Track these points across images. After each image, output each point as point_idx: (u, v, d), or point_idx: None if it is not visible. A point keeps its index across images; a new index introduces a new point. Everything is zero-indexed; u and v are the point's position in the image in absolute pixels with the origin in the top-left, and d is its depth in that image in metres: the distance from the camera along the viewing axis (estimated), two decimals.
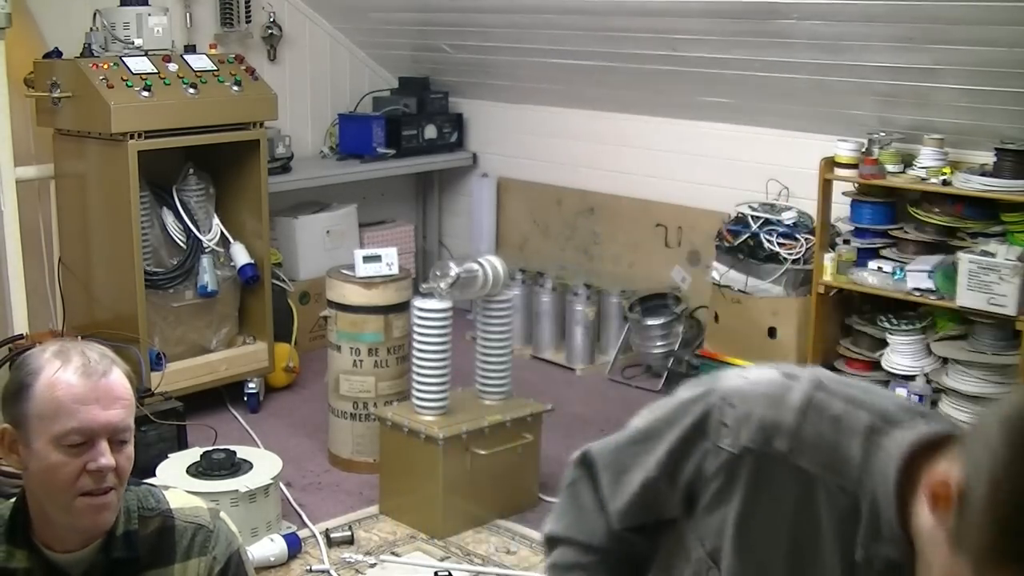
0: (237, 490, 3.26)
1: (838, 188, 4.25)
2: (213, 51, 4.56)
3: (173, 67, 4.25)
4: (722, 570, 1.22)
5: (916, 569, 1.09)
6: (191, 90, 4.21)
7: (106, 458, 1.54)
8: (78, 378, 1.54)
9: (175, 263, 4.38)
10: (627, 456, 1.33)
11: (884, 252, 4.15)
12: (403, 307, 3.88)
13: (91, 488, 1.54)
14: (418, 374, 3.57)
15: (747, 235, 4.43)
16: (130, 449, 1.60)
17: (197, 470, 3.36)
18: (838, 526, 1.14)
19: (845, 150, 4.13)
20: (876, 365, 4.15)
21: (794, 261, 4.32)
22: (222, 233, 4.50)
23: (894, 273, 4.04)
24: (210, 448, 3.46)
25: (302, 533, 3.46)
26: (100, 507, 1.56)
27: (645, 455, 1.29)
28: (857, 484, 1.13)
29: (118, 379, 1.59)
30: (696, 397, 1.26)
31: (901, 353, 4.06)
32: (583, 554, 1.37)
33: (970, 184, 3.79)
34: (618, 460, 1.34)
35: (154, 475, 3.33)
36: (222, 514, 1.75)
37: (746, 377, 1.25)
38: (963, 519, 1.01)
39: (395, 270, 3.93)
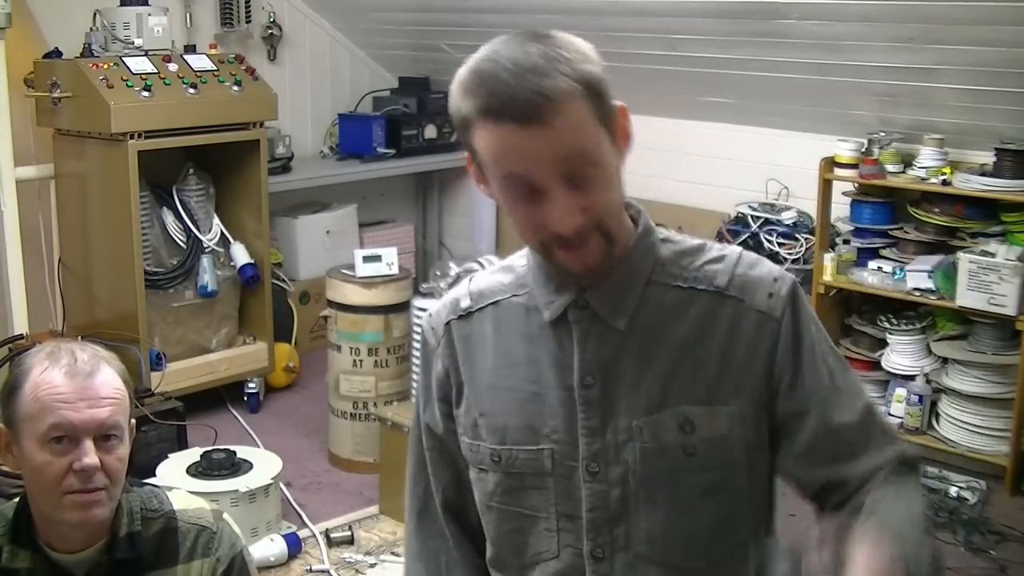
0: (237, 490, 3.26)
1: (838, 188, 4.25)
2: (213, 51, 4.56)
3: (173, 67, 4.25)
4: (483, 432, 1.33)
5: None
6: (191, 90, 4.21)
7: (90, 457, 1.53)
8: (62, 378, 1.55)
9: (175, 263, 4.38)
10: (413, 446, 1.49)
11: (884, 252, 4.15)
12: (403, 307, 3.88)
13: (78, 487, 1.54)
14: (418, 374, 3.57)
15: (747, 235, 4.44)
16: (121, 450, 1.59)
17: (197, 470, 3.36)
18: (525, 326, 1.32)
19: (845, 150, 4.13)
20: (876, 365, 4.15)
21: (794, 261, 4.32)
22: (222, 233, 4.50)
23: (894, 273, 4.04)
24: (210, 448, 3.46)
25: (302, 533, 3.46)
26: (87, 503, 1.56)
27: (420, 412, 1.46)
28: (525, 286, 1.35)
29: (106, 378, 1.58)
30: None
31: (901, 353, 4.06)
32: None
33: (970, 184, 3.79)
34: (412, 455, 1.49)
35: (154, 475, 3.33)
36: (225, 515, 1.75)
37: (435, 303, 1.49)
38: (467, 150, 1.25)
39: (395, 270, 3.93)
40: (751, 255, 1.33)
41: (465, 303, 1.38)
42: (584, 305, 1.27)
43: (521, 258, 1.38)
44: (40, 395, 1.54)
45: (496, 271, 1.40)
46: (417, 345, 3.57)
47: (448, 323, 1.39)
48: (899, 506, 1.22)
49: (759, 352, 1.27)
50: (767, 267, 1.32)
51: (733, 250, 1.34)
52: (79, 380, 1.55)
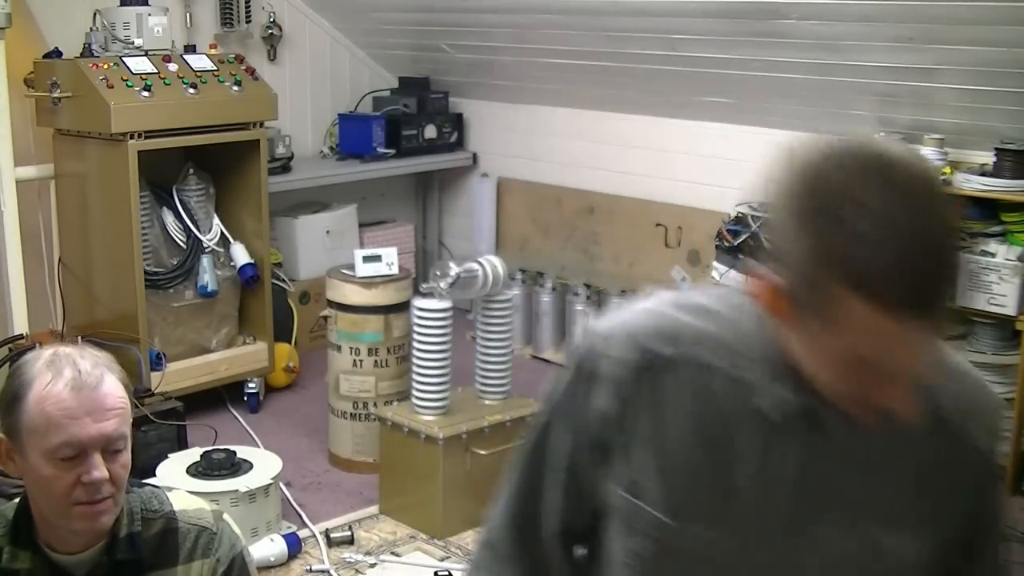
0: (237, 490, 3.26)
1: None
2: (213, 51, 4.56)
3: (173, 67, 4.25)
4: (653, 496, 1.22)
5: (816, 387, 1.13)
6: (191, 90, 4.21)
7: (99, 471, 1.53)
8: (68, 392, 1.53)
9: (175, 263, 4.38)
10: (527, 473, 1.37)
11: None
12: (403, 307, 3.88)
13: (85, 499, 1.54)
14: (418, 374, 3.57)
15: (747, 235, 4.43)
16: (125, 457, 1.59)
17: (197, 470, 3.36)
18: (733, 404, 1.18)
19: None
20: None
21: None
22: (222, 233, 4.50)
23: None
24: (210, 448, 3.46)
25: (302, 533, 3.46)
26: (96, 513, 1.56)
27: (547, 444, 1.31)
28: (743, 356, 1.19)
29: (110, 389, 1.57)
30: (568, 360, 1.30)
31: None
32: None
33: (970, 184, 3.79)
34: (522, 489, 1.39)
35: (154, 475, 3.33)
36: (226, 516, 1.75)
37: (607, 318, 1.29)
38: (789, 289, 1.08)
39: (395, 270, 3.93)
40: (963, 364, 1.27)
41: (667, 351, 1.20)
42: (812, 415, 1.16)
43: (735, 311, 1.22)
44: (46, 409, 1.53)
45: (696, 312, 1.23)
46: (420, 343, 3.57)
47: (637, 366, 1.21)
48: None
49: (964, 485, 1.23)
50: (983, 390, 1.27)
51: (951, 361, 1.25)
52: (85, 393, 1.54)
